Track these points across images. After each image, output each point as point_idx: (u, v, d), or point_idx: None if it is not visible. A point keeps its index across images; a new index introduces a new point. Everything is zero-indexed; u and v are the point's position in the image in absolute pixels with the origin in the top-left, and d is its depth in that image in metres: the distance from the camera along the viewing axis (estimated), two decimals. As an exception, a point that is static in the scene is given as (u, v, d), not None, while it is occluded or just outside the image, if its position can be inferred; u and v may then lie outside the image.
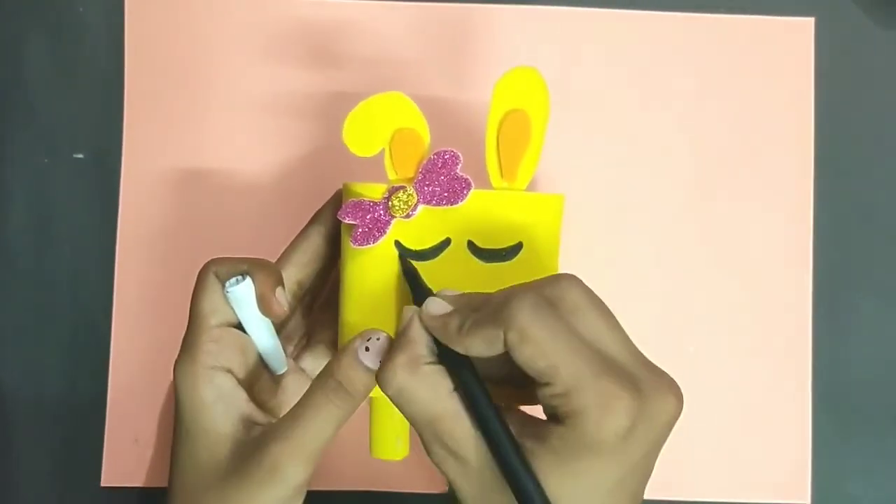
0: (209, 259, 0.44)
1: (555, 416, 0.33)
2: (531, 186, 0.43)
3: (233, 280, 0.42)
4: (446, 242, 0.42)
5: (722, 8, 0.56)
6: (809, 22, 0.56)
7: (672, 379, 0.34)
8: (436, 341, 0.37)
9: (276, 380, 0.46)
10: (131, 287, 0.55)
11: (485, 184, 0.42)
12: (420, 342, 0.37)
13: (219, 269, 0.43)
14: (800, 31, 0.56)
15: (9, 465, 0.54)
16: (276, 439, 0.39)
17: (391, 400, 0.36)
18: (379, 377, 0.36)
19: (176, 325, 0.44)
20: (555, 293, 0.35)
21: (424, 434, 0.36)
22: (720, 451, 0.54)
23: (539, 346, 0.32)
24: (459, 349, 0.35)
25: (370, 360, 0.39)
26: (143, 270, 0.55)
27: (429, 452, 0.36)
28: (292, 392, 0.46)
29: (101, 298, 0.55)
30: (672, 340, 0.54)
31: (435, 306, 0.37)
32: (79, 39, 0.56)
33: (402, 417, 0.45)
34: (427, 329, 0.37)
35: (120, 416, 0.54)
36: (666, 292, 0.55)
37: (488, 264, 0.42)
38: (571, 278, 0.36)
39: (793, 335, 0.55)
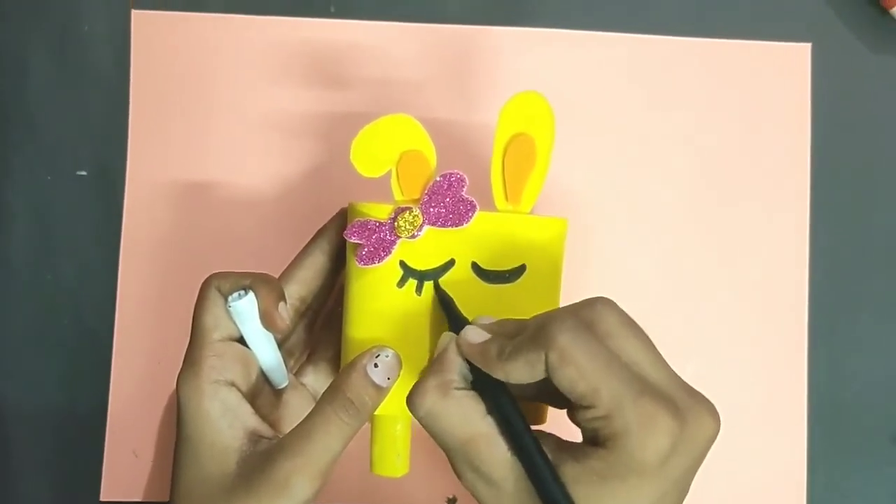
0: (211, 273, 0.44)
1: (594, 439, 0.34)
2: (535, 209, 0.44)
3: (235, 294, 0.42)
4: (451, 263, 0.42)
5: (721, 33, 0.57)
6: (806, 47, 0.57)
7: (709, 401, 0.35)
8: (471, 368, 0.37)
9: (277, 394, 0.46)
10: (133, 302, 0.55)
11: (490, 206, 0.43)
12: (453, 368, 0.37)
13: (221, 284, 0.43)
14: (797, 57, 0.57)
15: (8, 478, 0.54)
16: (285, 454, 0.39)
17: (421, 424, 0.37)
18: (409, 400, 0.37)
19: (177, 340, 0.45)
20: (591, 316, 0.35)
21: (456, 458, 0.36)
22: (716, 467, 0.54)
23: (580, 368, 0.33)
24: (499, 375, 0.35)
25: (378, 377, 0.40)
26: (145, 287, 0.55)
27: (460, 476, 0.36)
28: (293, 406, 0.46)
29: (103, 313, 0.55)
30: (669, 358, 0.55)
31: (473, 334, 0.37)
32: (83, 57, 0.56)
33: (403, 435, 0.46)
34: (465, 356, 0.37)
35: (120, 429, 0.54)
36: (664, 312, 0.55)
37: (492, 285, 0.43)
38: (607, 301, 0.36)
39: (789, 351, 0.55)
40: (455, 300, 0.42)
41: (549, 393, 0.37)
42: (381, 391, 0.41)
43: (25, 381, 0.55)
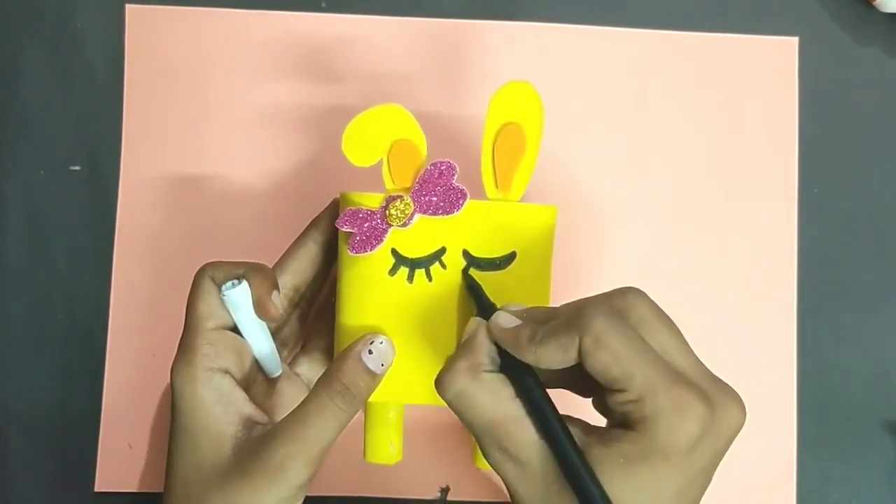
0: (205, 263, 0.44)
1: (624, 423, 0.34)
2: (525, 197, 0.44)
3: (229, 284, 0.43)
4: (442, 251, 0.43)
5: (709, 27, 0.57)
6: (793, 41, 0.57)
7: (736, 392, 0.35)
8: (500, 352, 0.37)
9: (271, 383, 0.47)
10: (127, 296, 0.55)
11: (480, 195, 0.43)
12: (482, 351, 0.37)
13: (215, 273, 0.43)
14: (784, 50, 0.57)
15: (3, 469, 0.54)
16: (280, 440, 0.40)
17: (450, 405, 0.37)
18: (439, 381, 0.37)
19: (171, 332, 0.45)
20: (624, 304, 0.36)
21: (483, 438, 0.36)
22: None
23: (614, 352, 0.33)
24: (530, 359, 0.36)
25: (373, 364, 0.41)
26: (139, 280, 0.55)
27: (487, 456, 0.37)
28: (287, 395, 0.47)
29: (96, 308, 0.55)
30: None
31: (504, 319, 0.38)
32: (76, 52, 0.56)
33: (396, 422, 0.46)
34: (496, 340, 0.37)
35: (114, 421, 0.54)
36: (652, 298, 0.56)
37: (483, 273, 0.43)
38: (638, 291, 0.37)
39: (778, 345, 0.56)
40: (447, 287, 0.43)
41: (571, 381, 0.38)
42: (375, 377, 0.42)
43: (20, 373, 0.55)
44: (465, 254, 0.43)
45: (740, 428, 0.35)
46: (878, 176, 0.57)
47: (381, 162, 0.43)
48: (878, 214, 0.57)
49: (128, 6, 0.56)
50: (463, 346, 0.38)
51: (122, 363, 0.55)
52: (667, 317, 0.36)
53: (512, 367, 0.37)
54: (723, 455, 0.35)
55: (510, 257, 0.43)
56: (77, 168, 0.56)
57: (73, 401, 0.55)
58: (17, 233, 0.56)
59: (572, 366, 0.35)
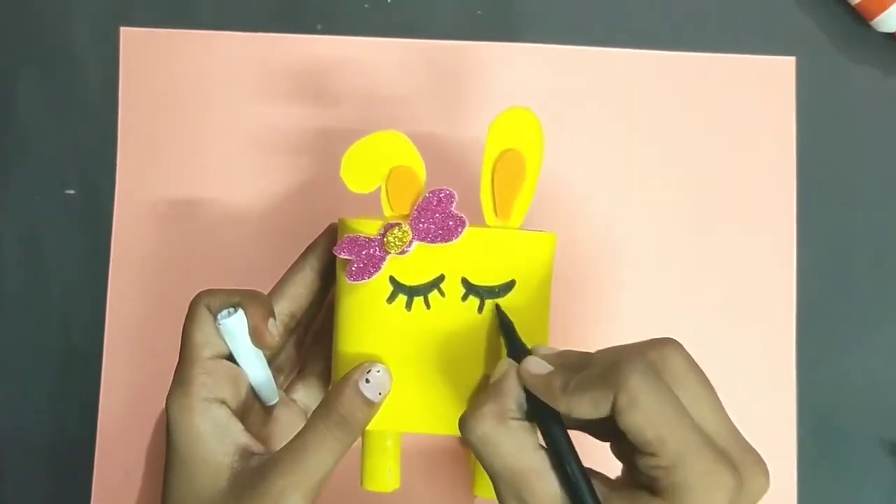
0: (200, 291, 0.44)
1: (652, 488, 0.34)
2: (525, 223, 0.44)
3: (224, 312, 0.42)
4: (440, 279, 0.43)
5: (707, 48, 0.57)
6: (791, 61, 0.57)
7: (761, 458, 0.35)
8: (529, 398, 0.37)
9: (268, 411, 0.46)
10: (122, 322, 0.55)
11: (479, 221, 0.43)
12: (511, 396, 0.37)
13: (210, 301, 0.43)
14: (782, 70, 0.57)
15: (-3, 498, 0.54)
16: (278, 471, 0.39)
17: (471, 447, 0.36)
18: (464, 423, 0.37)
19: (167, 360, 0.44)
20: (660, 358, 0.35)
21: (502, 487, 0.36)
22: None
23: (648, 415, 0.33)
24: (561, 408, 0.35)
25: (370, 392, 0.40)
26: (134, 305, 0.55)
27: (502, 503, 0.36)
28: (284, 423, 0.46)
29: (91, 333, 0.55)
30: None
31: (535, 365, 0.37)
32: (71, 76, 0.56)
33: (393, 450, 0.46)
34: (527, 386, 0.37)
35: (110, 448, 0.54)
36: (652, 323, 0.55)
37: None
38: (675, 344, 0.36)
39: (777, 362, 0.55)
40: (445, 315, 0.42)
41: (593, 427, 0.37)
42: (372, 406, 0.41)
43: (14, 400, 0.54)
44: (464, 281, 0.43)
45: (764, 493, 0.35)
46: (876, 195, 0.57)
47: (379, 188, 0.43)
48: (876, 234, 0.57)
49: (122, 29, 0.56)
50: (492, 389, 0.38)
51: (118, 389, 0.54)
52: (701, 372, 0.36)
53: (540, 414, 0.36)
54: None
55: (509, 285, 0.43)
56: (72, 192, 0.56)
57: (68, 428, 0.54)
58: (11, 257, 0.55)
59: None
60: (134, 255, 0.55)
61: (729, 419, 0.35)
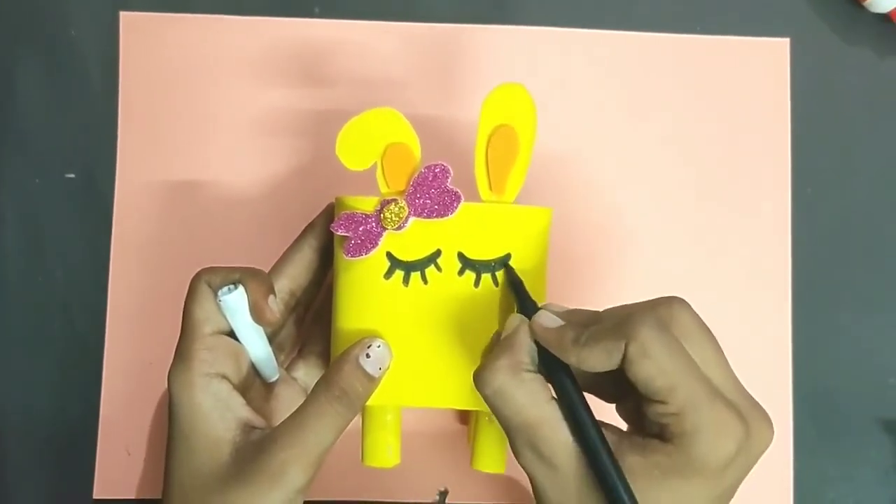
0: (201, 268, 0.44)
1: (661, 434, 0.35)
2: (521, 200, 0.44)
3: (225, 289, 0.43)
4: (437, 254, 0.43)
5: (701, 30, 0.57)
6: (785, 42, 0.57)
7: (766, 411, 0.36)
8: (540, 352, 0.38)
9: (269, 387, 0.47)
10: (124, 303, 0.55)
11: (475, 197, 0.44)
12: (523, 350, 0.38)
13: (211, 278, 0.43)
14: (776, 52, 0.57)
15: (1, 478, 0.54)
16: (279, 444, 0.40)
17: (486, 400, 0.37)
18: (478, 376, 0.37)
19: (168, 339, 0.45)
20: (669, 315, 0.36)
21: (517, 438, 0.37)
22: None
23: (659, 363, 0.34)
24: (572, 360, 0.36)
25: (371, 367, 0.41)
26: (135, 286, 0.55)
27: (517, 455, 0.37)
28: (284, 400, 0.47)
29: (94, 314, 0.55)
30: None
31: (547, 319, 0.38)
32: (71, 60, 0.56)
33: (393, 425, 0.46)
34: (539, 339, 0.38)
35: (112, 428, 0.54)
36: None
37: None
38: (683, 302, 0.37)
39: (773, 345, 0.56)
40: (442, 289, 0.43)
41: (599, 386, 0.38)
42: (373, 381, 0.42)
43: (17, 381, 0.55)
44: (461, 256, 0.43)
45: (769, 445, 0.35)
46: (870, 176, 0.57)
47: (375, 166, 0.43)
48: (871, 214, 0.57)
49: (122, 13, 0.56)
50: (504, 343, 0.38)
51: (120, 370, 0.55)
52: (708, 329, 0.37)
53: (551, 367, 0.37)
54: (749, 471, 0.35)
55: (505, 259, 0.43)
56: (72, 176, 0.56)
57: (70, 408, 0.55)
58: (12, 242, 0.56)
59: (603, 372, 0.35)
60: (135, 237, 0.55)
61: (734, 374, 0.36)
